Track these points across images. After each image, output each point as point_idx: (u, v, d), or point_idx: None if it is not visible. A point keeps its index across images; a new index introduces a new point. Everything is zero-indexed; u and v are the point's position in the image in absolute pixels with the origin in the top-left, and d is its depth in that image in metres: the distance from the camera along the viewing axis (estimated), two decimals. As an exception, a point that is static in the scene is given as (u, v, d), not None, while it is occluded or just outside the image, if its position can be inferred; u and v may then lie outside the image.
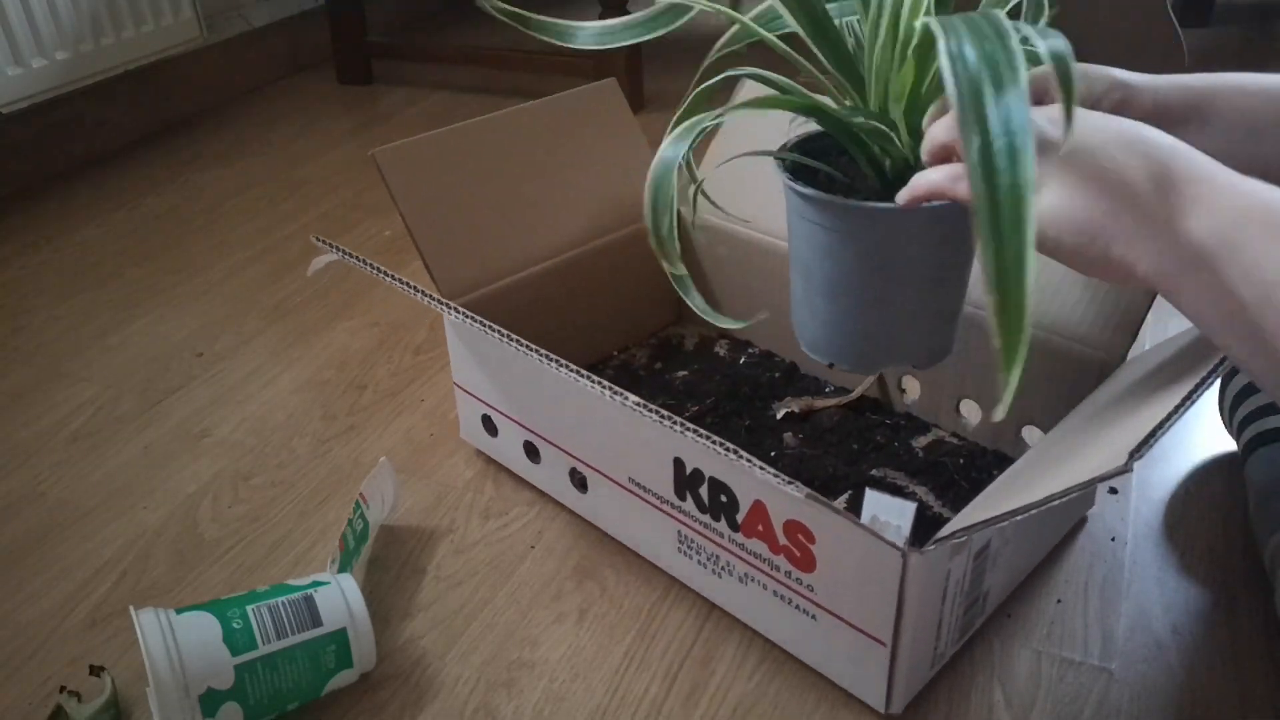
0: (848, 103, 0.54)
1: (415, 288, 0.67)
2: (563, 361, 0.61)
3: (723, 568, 0.63)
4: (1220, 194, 0.42)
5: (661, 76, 1.61)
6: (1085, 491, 0.69)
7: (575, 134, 0.84)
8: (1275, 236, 0.41)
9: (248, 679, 0.56)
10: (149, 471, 0.82)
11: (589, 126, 0.85)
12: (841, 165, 0.56)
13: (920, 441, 0.78)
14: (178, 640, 0.55)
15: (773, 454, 0.77)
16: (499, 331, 0.64)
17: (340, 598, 0.60)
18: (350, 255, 0.71)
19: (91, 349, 1.01)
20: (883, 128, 0.52)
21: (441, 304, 0.67)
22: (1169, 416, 0.46)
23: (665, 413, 0.55)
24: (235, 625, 0.57)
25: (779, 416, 0.80)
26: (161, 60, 1.49)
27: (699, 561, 0.65)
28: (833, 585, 0.56)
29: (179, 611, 0.57)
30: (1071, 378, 0.68)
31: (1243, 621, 0.63)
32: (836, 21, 0.53)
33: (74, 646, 0.66)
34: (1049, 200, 0.45)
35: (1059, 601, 0.65)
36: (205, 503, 0.79)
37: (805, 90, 0.54)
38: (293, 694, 0.58)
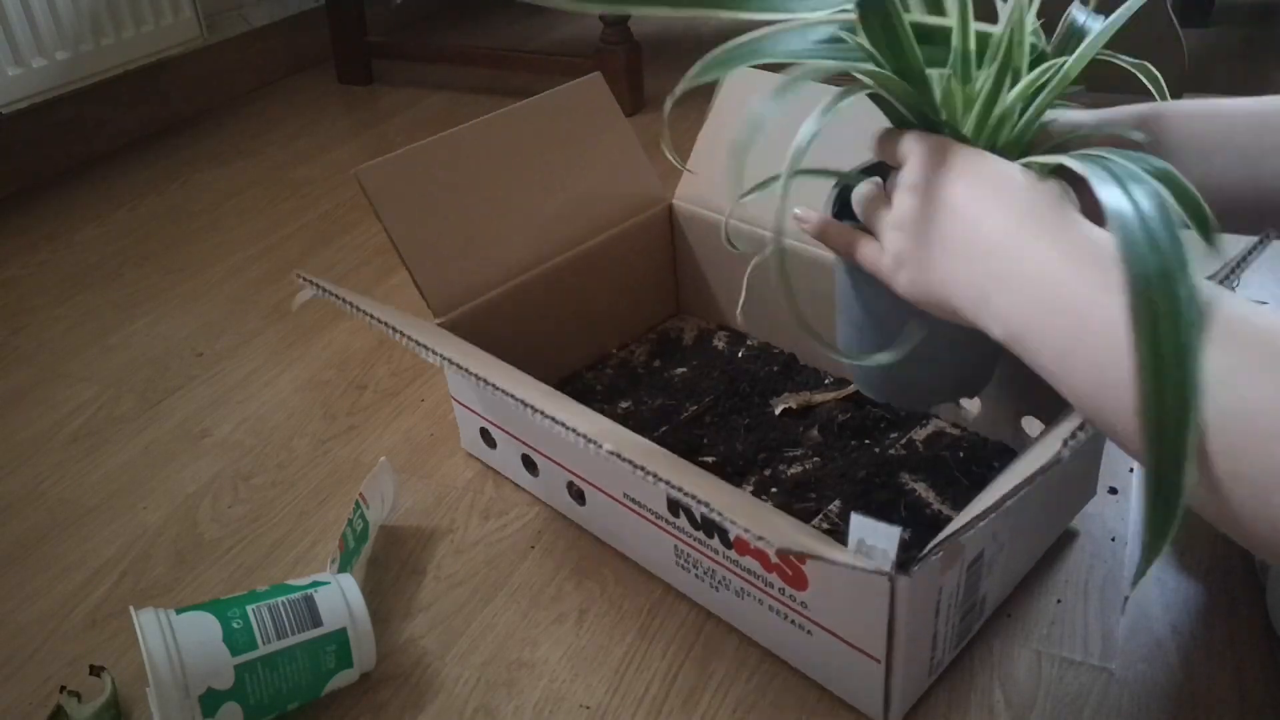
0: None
1: (395, 329, 0.63)
2: (540, 409, 0.57)
3: (719, 582, 0.63)
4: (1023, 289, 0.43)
5: (662, 77, 1.61)
6: (1080, 484, 0.69)
7: (562, 132, 0.83)
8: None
9: (248, 679, 0.56)
10: (149, 471, 0.83)
11: (576, 124, 0.84)
12: None
13: (920, 433, 0.78)
14: (178, 640, 0.55)
15: (785, 451, 0.77)
16: (476, 376, 0.60)
17: (340, 598, 0.60)
18: (330, 293, 0.67)
19: (91, 349, 1.01)
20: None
21: (419, 345, 0.62)
22: None
23: (647, 468, 0.52)
24: (235, 625, 0.57)
25: (778, 413, 0.80)
26: (161, 60, 1.49)
27: (696, 575, 0.64)
28: (825, 603, 0.56)
29: (179, 611, 0.57)
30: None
31: (1242, 621, 0.63)
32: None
33: (74, 646, 0.66)
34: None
35: (1059, 601, 0.65)
36: (205, 503, 0.79)
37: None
38: (293, 694, 0.58)
